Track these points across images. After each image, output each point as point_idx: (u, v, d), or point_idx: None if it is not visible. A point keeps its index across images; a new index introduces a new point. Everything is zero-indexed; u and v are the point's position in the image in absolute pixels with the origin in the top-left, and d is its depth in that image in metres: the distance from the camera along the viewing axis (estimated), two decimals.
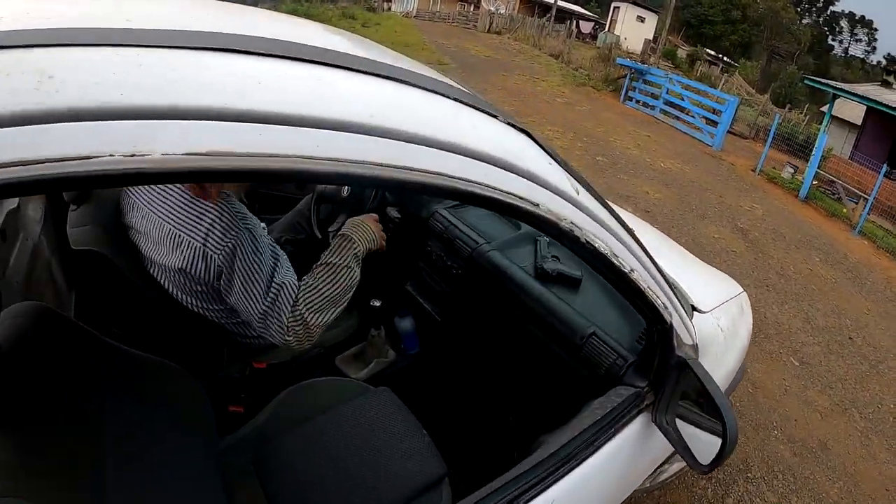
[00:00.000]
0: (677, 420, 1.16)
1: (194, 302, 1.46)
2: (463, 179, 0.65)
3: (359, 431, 1.44)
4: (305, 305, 1.32)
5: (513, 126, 0.81)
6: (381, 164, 0.56)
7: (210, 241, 1.31)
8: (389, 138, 0.57)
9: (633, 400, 1.16)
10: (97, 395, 1.03)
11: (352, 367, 1.86)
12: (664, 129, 11.28)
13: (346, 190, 1.91)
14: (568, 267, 1.67)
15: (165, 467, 1.09)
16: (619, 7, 31.35)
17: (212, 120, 0.49)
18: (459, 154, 0.65)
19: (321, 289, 1.36)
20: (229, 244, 1.30)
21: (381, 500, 1.31)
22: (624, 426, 1.14)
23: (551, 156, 0.86)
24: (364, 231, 1.50)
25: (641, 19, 31.32)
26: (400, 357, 1.95)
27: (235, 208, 1.35)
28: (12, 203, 1.46)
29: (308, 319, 1.33)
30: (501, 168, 0.72)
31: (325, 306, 1.36)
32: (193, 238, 1.31)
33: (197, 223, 1.31)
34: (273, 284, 1.31)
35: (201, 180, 0.50)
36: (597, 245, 0.91)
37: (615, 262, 0.96)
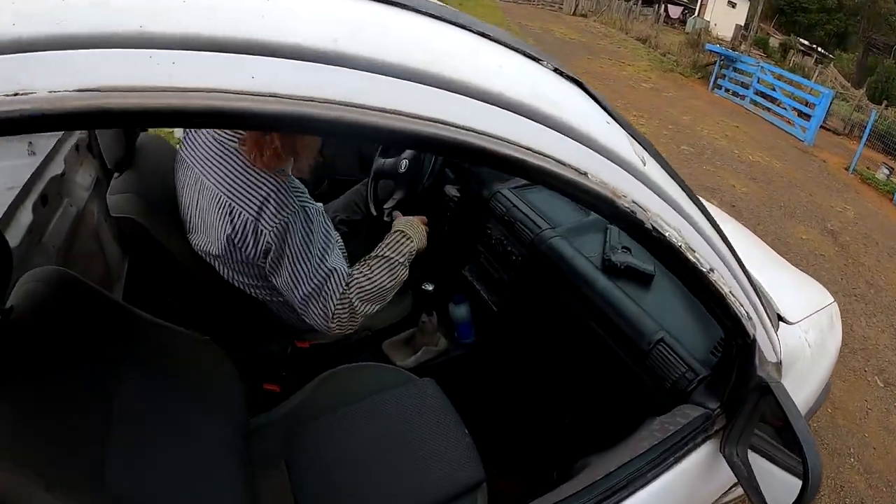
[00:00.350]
0: (749, 451, 0.96)
1: (236, 277, 1.40)
2: (471, 130, 0.49)
3: (396, 424, 1.34)
4: (357, 293, 1.30)
5: (561, 73, 0.63)
6: (342, 103, 0.42)
7: (264, 215, 1.23)
8: (356, 69, 0.42)
9: (701, 423, 0.96)
10: (112, 364, 0.97)
11: (399, 354, 1.76)
12: (754, 121, 10.59)
13: (403, 164, 1.80)
14: (640, 261, 1.47)
15: (178, 444, 1.02)
16: None
17: (111, 48, 0.38)
18: (469, 97, 0.50)
19: (375, 279, 1.33)
20: (282, 221, 1.23)
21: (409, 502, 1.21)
22: (686, 455, 0.95)
23: (610, 114, 0.68)
24: (417, 232, 1.46)
25: (732, 4, 29.29)
26: (451, 346, 1.83)
27: (294, 184, 1.29)
28: (57, 169, 1.46)
29: (356, 307, 1.30)
30: (535, 121, 0.56)
31: (374, 298, 1.33)
32: (246, 209, 1.24)
33: (252, 194, 1.24)
34: (322, 268, 1.26)
35: (100, 125, 0.38)
36: (667, 234, 0.72)
37: (690, 257, 0.77)
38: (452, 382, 1.68)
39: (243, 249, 1.29)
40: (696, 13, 29.29)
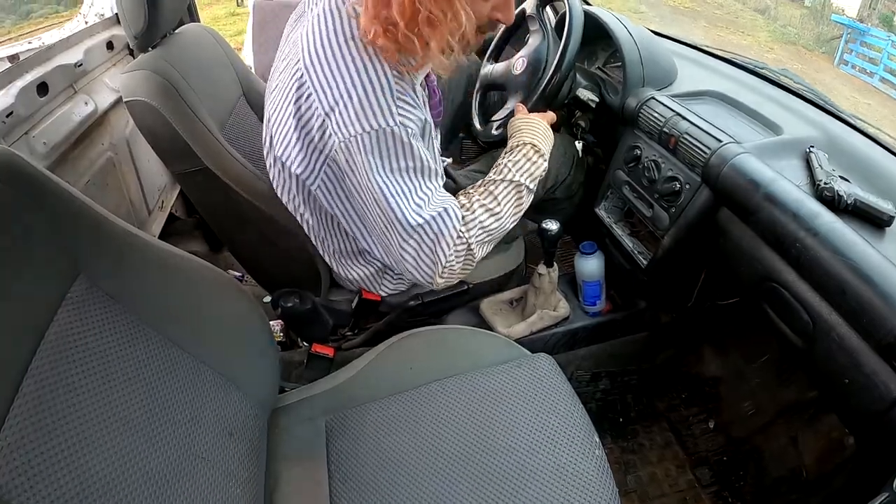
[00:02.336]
0: None
1: (299, 201, 1.11)
2: None
3: (494, 416, 0.96)
4: (477, 234, 1.07)
5: None
6: None
7: (333, 116, 0.93)
8: None
9: None
10: (62, 279, 0.66)
11: (502, 318, 1.33)
12: (885, 100, 9.68)
13: (520, 63, 1.35)
14: (872, 196, 0.92)
15: (155, 420, 0.69)
16: None
17: None
18: None
19: (500, 213, 1.10)
20: (357, 135, 0.92)
21: None
22: None
23: None
24: (546, 139, 1.19)
25: None
26: (576, 314, 1.39)
27: (407, 90, 0.94)
28: (70, 58, 1.38)
29: (474, 252, 1.08)
30: None
31: (496, 237, 1.12)
32: (319, 95, 0.93)
33: (335, 79, 0.91)
34: (429, 206, 1.00)
35: None
36: None
37: None
38: (576, 364, 1.42)
39: (309, 142, 0.99)
40: None
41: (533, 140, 1.15)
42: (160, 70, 1.11)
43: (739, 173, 1.01)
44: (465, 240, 1.05)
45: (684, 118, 1.18)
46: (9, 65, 1.23)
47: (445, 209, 1.00)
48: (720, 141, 1.08)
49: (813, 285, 0.87)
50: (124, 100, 1.14)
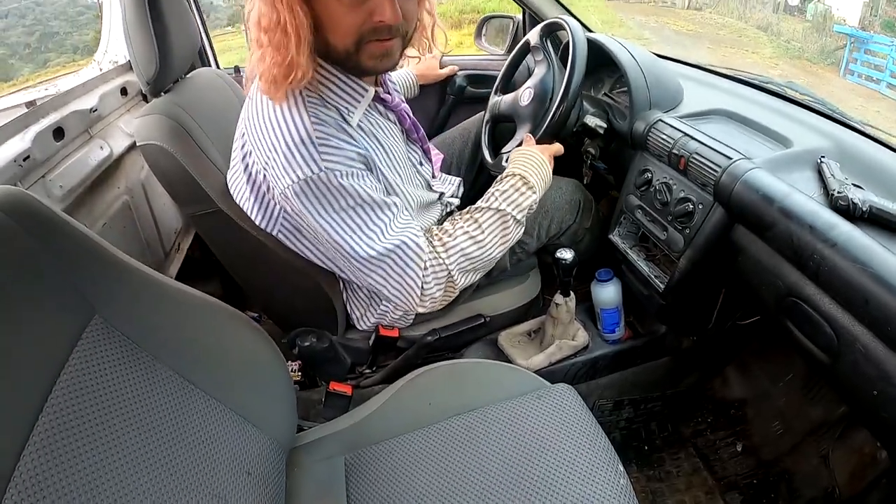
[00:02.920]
0: None
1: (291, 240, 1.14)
2: None
3: (517, 448, 0.93)
4: (458, 261, 1.08)
5: None
6: None
7: (269, 171, 0.99)
8: None
9: None
10: (77, 317, 0.66)
11: (521, 350, 1.32)
12: (894, 105, 9.60)
13: (527, 95, 1.37)
14: (888, 201, 0.91)
15: (169, 456, 0.68)
16: None
17: None
18: None
19: (483, 241, 1.10)
20: (296, 186, 0.96)
21: None
22: None
23: None
24: (541, 172, 1.19)
25: None
26: (595, 342, 1.37)
27: (331, 140, 0.96)
28: (85, 103, 1.42)
29: (455, 279, 1.09)
30: None
31: (479, 265, 1.12)
32: (258, 157, 1.01)
33: (264, 137, 0.98)
34: (381, 243, 1.01)
35: None
36: None
37: None
38: (597, 393, 1.40)
39: (261, 195, 1.07)
40: None
41: (524, 172, 1.16)
42: (172, 114, 1.14)
43: (752, 189, 1.00)
44: (444, 266, 1.06)
45: (693, 138, 1.17)
46: (26, 110, 1.27)
47: (403, 241, 1.01)
48: (730, 158, 1.07)
49: (834, 297, 0.86)
50: (138, 144, 1.16)
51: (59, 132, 1.29)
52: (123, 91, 1.63)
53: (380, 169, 1.04)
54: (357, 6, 0.89)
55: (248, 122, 1.01)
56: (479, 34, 1.98)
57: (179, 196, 1.23)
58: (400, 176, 1.11)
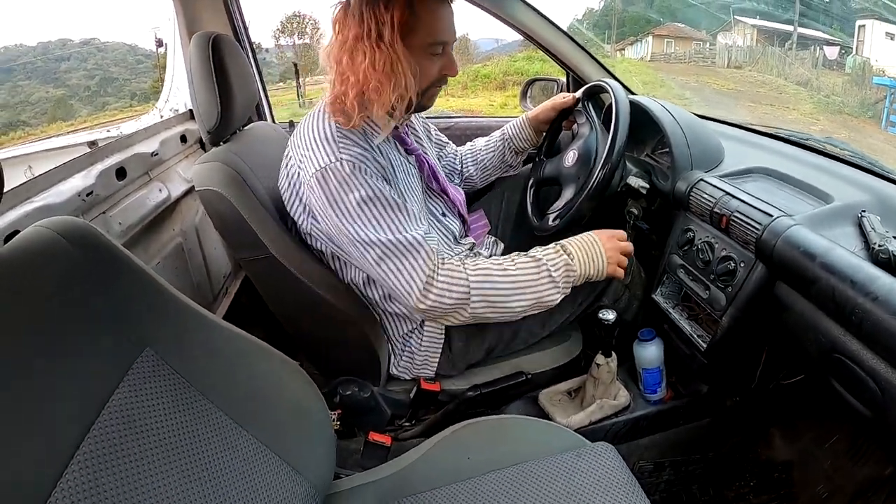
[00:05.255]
0: None
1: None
2: None
3: None
4: (480, 281, 1.12)
5: None
6: None
7: (300, 167, 1.16)
8: None
9: None
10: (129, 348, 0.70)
11: (561, 408, 1.33)
12: None
13: (570, 157, 1.41)
14: None
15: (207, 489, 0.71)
16: (863, 25, 25.98)
17: None
18: None
19: (512, 276, 1.14)
20: (314, 179, 1.11)
21: None
22: None
23: None
24: (592, 256, 1.21)
25: (891, 36, 25.73)
26: (637, 402, 1.37)
27: (350, 135, 1.14)
28: (146, 147, 1.50)
29: (472, 301, 1.12)
30: None
31: (499, 302, 1.14)
32: (294, 157, 1.19)
33: (301, 141, 1.16)
34: (394, 232, 1.11)
35: None
36: None
37: None
38: (637, 454, 1.38)
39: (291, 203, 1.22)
40: (853, 51, 26.83)
41: (568, 242, 1.21)
42: (230, 162, 1.22)
43: (793, 246, 1.02)
44: (465, 277, 1.11)
45: (734, 197, 1.20)
46: (88, 149, 1.36)
47: (416, 237, 1.11)
48: (771, 216, 1.09)
49: (877, 352, 0.86)
50: (196, 188, 1.24)
51: (121, 172, 1.37)
52: (183, 138, 1.73)
53: (398, 186, 1.17)
54: (437, 61, 1.17)
55: (294, 135, 1.20)
56: (524, 96, 2.04)
57: (233, 241, 1.30)
58: (416, 206, 1.21)
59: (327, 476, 0.97)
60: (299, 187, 1.18)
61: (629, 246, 1.26)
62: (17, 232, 0.90)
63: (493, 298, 1.13)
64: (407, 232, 1.11)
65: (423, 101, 1.22)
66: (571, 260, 1.18)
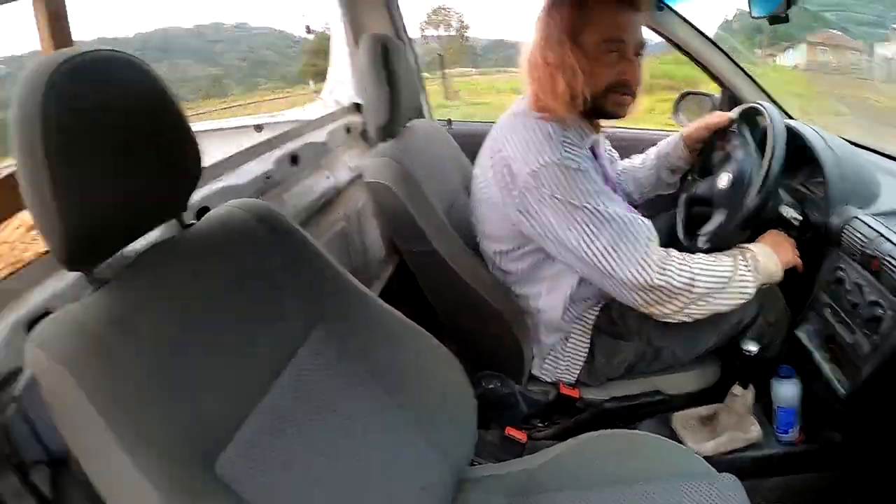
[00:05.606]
0: None
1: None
2: None
3: None
4: (701, 268, 1.16)
5: None
6: None
7: (515, 164, 1.19)
8: None
9: None
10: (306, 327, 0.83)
11: (692, 433, 1.34)
12: None
13: (725, 178, 1.39)
14: None
15: (361, 460, 0.83)
16: None
17: None
18: None
19: (718, 264, 1.19)
20: (535, 176, 1.16)
21: None
22: None
23: None
24: (767, 261, 1.23)
25: None
26: (767, 440, 1.35)
27: (571, 139, 1.20)
28: (317, 137, 1.64)
29: (696, 285, 1.15)
30: None
31: (715, 293, 1.17)
32: (505, 152, 1.22)
33: (515, 138, 1.21)
34: (616, 208, 1.17)
35: None
36: None
37: None
38: (761, 494, 1.31)
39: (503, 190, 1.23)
40: None
41: (756, 252, 1.24)
42: (399, 158, 1.33)
43: None
44: (689, 265, 1.15)
45: (888, 239, 1.14)
46: (255, 132, 1.52)
47: (643, 219, 1.18)
48: None
49: None
50: (367, 181, 1.36)
51: (294, 159, 1.51)
52: (347, 130, 1.87)
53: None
54: (613, 62, 1.20)
55: (501, 134, 1.25)
56: (676, 110, 1.98)
57: (397, 232, 1.41)
58: None
59: (465, 461, 1.04)
60: (511, 187, 1.21)
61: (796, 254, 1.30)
62: (206, 208, 1.04)
63: (717, 297, 1.17)
64: (634, 213, 1.18)
65: (605, 106, 1.25)
66: (748, 276, 1.20)
